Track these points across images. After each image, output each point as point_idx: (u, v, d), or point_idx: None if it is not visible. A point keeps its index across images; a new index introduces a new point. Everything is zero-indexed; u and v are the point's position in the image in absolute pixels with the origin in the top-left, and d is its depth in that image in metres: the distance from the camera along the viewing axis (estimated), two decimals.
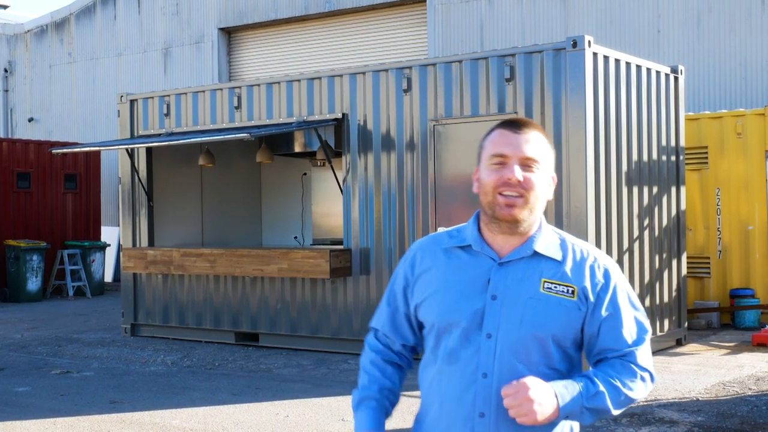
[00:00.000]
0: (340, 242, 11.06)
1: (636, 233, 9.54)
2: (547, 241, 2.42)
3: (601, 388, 2.33)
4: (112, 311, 14.39)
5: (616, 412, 2.37)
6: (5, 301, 16.39)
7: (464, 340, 2.38)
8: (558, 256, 2.40)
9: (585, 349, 2.44)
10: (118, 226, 16.57)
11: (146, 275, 11.68)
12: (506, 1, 16.31)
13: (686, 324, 10.48)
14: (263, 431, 6.85)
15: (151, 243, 11.72)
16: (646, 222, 9.73)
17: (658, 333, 9.84)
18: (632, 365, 2.39)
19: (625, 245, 9.33)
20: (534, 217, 2.38)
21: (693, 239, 11.96)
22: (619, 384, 2.36)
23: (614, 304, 2.41)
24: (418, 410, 2.56)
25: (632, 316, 2.43)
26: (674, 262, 10.28)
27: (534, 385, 2.25)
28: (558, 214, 8.81)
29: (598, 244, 8.85)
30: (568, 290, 2.37)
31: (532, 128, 2.38)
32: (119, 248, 14.88)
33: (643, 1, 15.06)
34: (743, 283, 11.76)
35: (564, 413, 2.29)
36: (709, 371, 8.66)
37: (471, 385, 2.36)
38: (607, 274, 2.42)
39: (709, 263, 11.98)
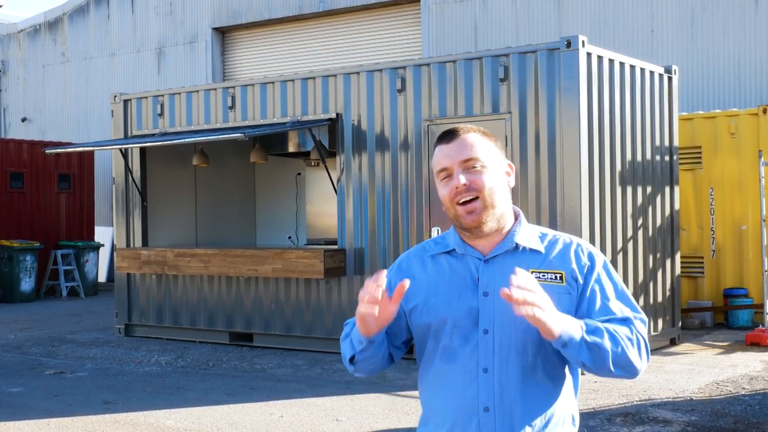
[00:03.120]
0: (334, 242, 11.06)
1: (630, 233, 9.55)
2: (527, 234, 2.46)
3: (601, 326, 2.30)
4: (106, 311, 14.36)
5: (612, 367, 2.29)
6: None
7: (462, 338, 2.41)
8: (541, 248, 2.45)
9: None
10: (112, 226, 16.52)
11: (140, 275, 11.67)
12: (500, 1, 16.32)
13: (680, 323, 10.50)
14: (257, 431, 6.84)
15: (145, 243, 11.71)
16: (639, 222, 9.75)
17: (652, 333, 9.85)
18: (631, 326, 2.35)
19: (619, 245, 9.34)
20: (498, 211, 2.41)
21: (687, 239, 11.98)
22: (617, 335, 2.30)
23: (601, 282, 2.41)
24: (420, 416, 2.56)
25: (623, 294, 2.42)
26: (668, 262, 10.30)
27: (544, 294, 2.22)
28: (552, 213, 8.82)
29: (591, 244, 8.84)
30: (556, 276, 2.40)
31: (463, 132, 2.42)
32: (113, 248, 14.85)
33: (636, 1, 15.08)
34: (737, 283, 11.78)
35: (565, 338, 2.23)
36: (703, 371, 8.68)
37: (473, 381, 2.38)
38: (591, 257, 2.45)
39: (702, 263, 12.01)
